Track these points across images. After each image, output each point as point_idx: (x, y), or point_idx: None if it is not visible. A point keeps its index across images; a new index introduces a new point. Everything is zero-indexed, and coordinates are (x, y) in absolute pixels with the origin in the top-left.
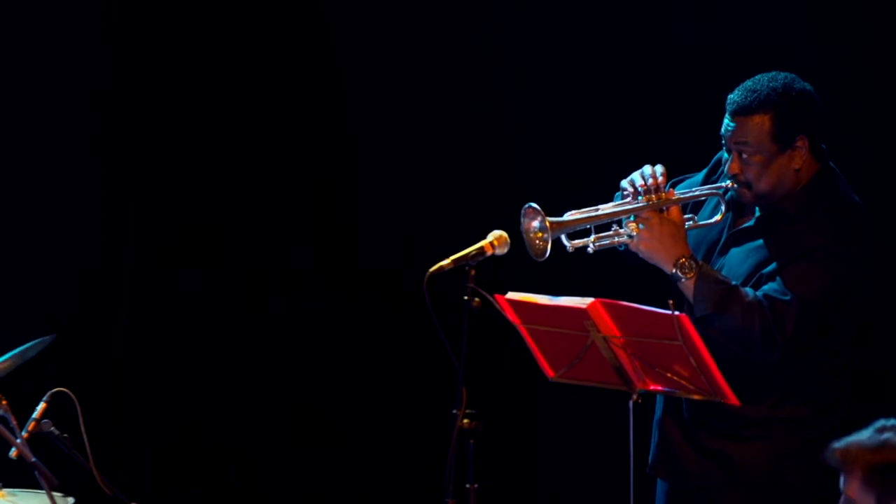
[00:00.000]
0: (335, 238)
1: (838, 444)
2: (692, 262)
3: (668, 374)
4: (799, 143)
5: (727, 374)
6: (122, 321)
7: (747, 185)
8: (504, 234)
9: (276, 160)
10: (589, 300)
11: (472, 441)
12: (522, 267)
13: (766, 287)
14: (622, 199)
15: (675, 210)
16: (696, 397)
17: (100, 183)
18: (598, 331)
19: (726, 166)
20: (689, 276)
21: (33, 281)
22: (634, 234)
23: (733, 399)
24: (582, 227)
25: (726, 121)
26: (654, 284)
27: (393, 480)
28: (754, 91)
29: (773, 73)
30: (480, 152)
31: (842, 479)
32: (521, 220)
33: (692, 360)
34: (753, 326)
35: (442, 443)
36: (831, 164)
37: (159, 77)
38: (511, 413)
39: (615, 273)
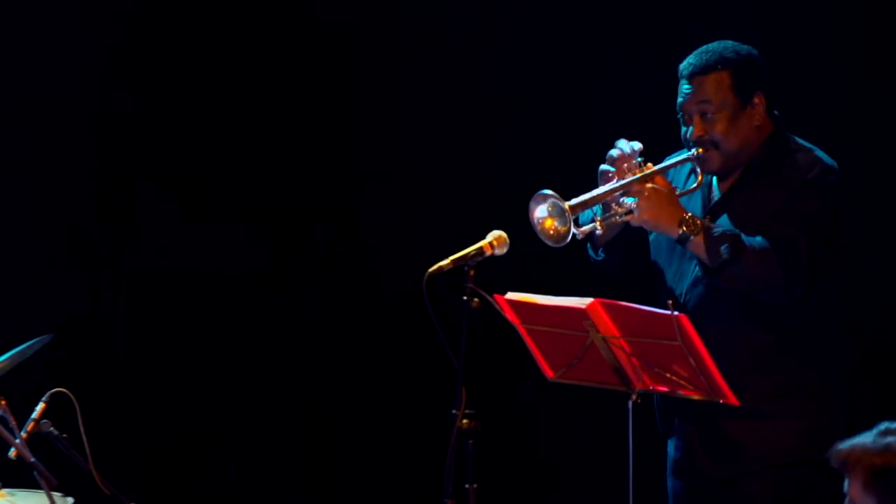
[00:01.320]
0: (335, 238)
1: (842, 447)
2: (695, 220)
3: (668, 375)
4: (756, 101)
5: (741, 347)
6: (122, 321)
7: (714, 144)
8: (503, 234)
9: (276, 160)
10: (588, 300)
11: (471, 441)
12: (522, 267)
13: (767, 232)
14: (606, 181)
15: (660, 178)
16: (695, 397)
17: (99, 182)
18: (598, 331)
19: (689, 134)
20: (696, 232)
21: (32, 280)
22: (633, 207)
23: (733, 399)
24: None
25: (683, 87)
26: (653, 285)
27: (392, 480)
28: (707, 52)
29: (717, 41)
30: (480, 153)
31: (846, 482)
32: (532, 209)
33: (691, 361)
34: (771, 263)
35: (441, 443)
36: (777, 114)
37: (159, 77)
38: (510, 413)
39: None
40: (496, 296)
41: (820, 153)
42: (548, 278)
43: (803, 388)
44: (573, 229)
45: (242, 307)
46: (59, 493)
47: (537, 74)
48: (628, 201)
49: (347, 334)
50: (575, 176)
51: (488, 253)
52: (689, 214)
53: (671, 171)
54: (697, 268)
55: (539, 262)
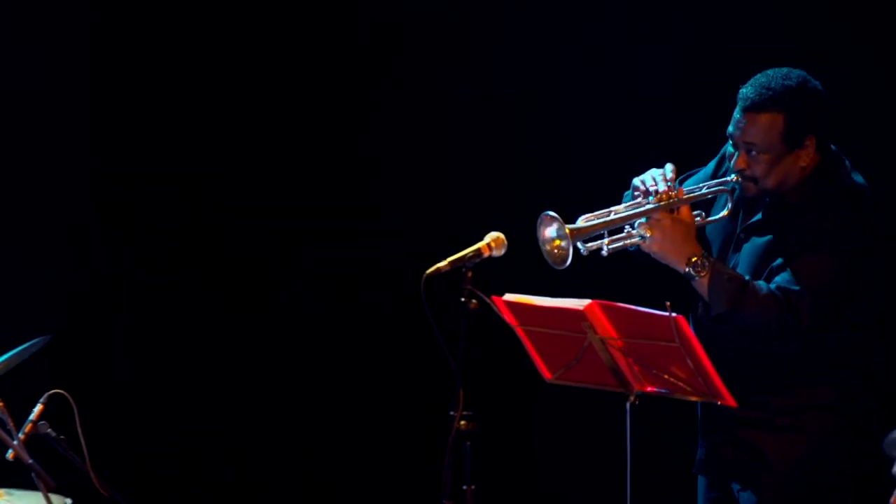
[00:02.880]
0: (334, 238)
1: (894, 434)
2: (704, 261)
3: (666, 376)
4: (807, 143)
5: (749, 362)
6: (120, 322)
7: (753, 179)
8: (501, 235)
9: (276, 160)
10: (586, 302)
11: (468, 443)
12: (520, 268)
13: (777, 279)
14: (632, 198)
15: (685, 210)
16: (693, 399)
17: (99, 182)
18: (595, 332)
19: (732, 161)
20: (702, 274)
21: (30, 281)
22: (647, 235)
23: (730, 401)
24: (597, 232)
25: (737, 115)
26: (653, 286)
27: (390, 481)
28: (768, 89)
29: (787, 69)
30: (480, 153)
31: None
32: (538, 228)
33: (689, 362)
34: (770, 319)
35: (439, 444)
36: (833, 147)
37: (159, 76)
38: (508, 415)
39: (613, 274)
40: (494, 297)
41: (852, 191)
42: (546, 280)
43: (822, 406)
44: (580, 246)
45: (242, 307)
46: (56, 495)
47: (540, 74)
48: (641, 230)
49: (346, 335)
50: (575, 176)
51: (486, 254)
52: (700, 254)
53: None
54: (743, 262)
55: (537, 264)
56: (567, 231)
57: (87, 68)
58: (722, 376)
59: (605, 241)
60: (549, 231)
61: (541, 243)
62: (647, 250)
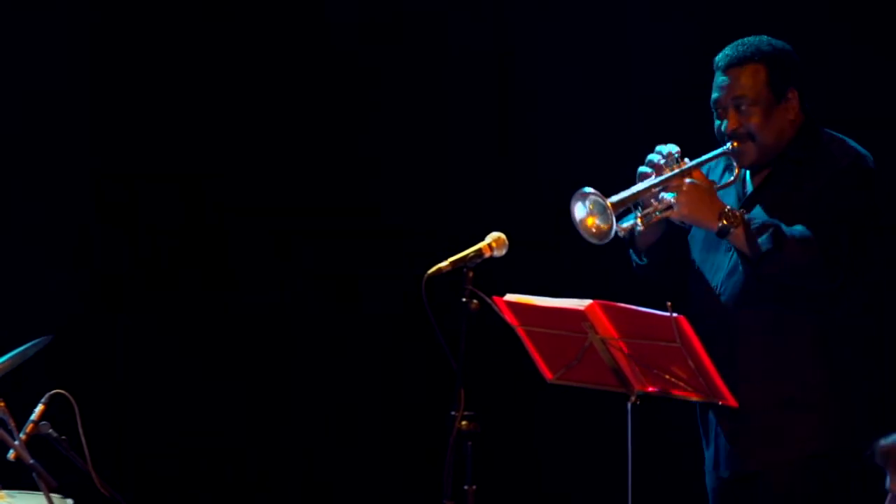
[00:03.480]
0: (334, 239)
1: (883, 442)
2: (734, 212)
3: (667, 376)
4: (790, 96)
5: (767, 334)
6: (120, 322)
7: (749, 136)
8: (502, 235)
9: (274, 161)
10: (587, 302)
11: (470, 443)
12: (520, 269)
13: (806, 224)
14: (644, 180)
15: (697, 173)
16: (694, 399)
17: (99, 182)
18: (596, 332)
19: (723, 128)
20: (736, 224)
21: (32, 281)
22: (673, 202)
23: (731, 401)
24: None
25: (719, 79)
26: (654, 286)
27: (391, 482)
28: (744, 44)
29: (752, 36)
30: (480, 153)
31: (888, 478)
32: (572, 206)
33: (690, 362)
34: (814, 252)
35: (440, 444)
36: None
37: (160, 76)
38: (509, 415)
39: (613, 275)
40: (495, 297)
41: (853, 143)
42: (547, 280)
43: (837, 381)
44: (615, 226)
45: (242, 308)
46: (58, 495)
47: (538, 75)
48: (667, 197)
49: (346, 335)
50: (576, 176)
51: (487, 255)
52: (729, 207)
53: (706, 166)
54: (733, 259)
55: (538, 264)
56: (609, 205)
57: (88, 68)
58: (755, 373)
59: (637, 217)
60: (584, 208)
61: (578, 223)
62: (678, 217)
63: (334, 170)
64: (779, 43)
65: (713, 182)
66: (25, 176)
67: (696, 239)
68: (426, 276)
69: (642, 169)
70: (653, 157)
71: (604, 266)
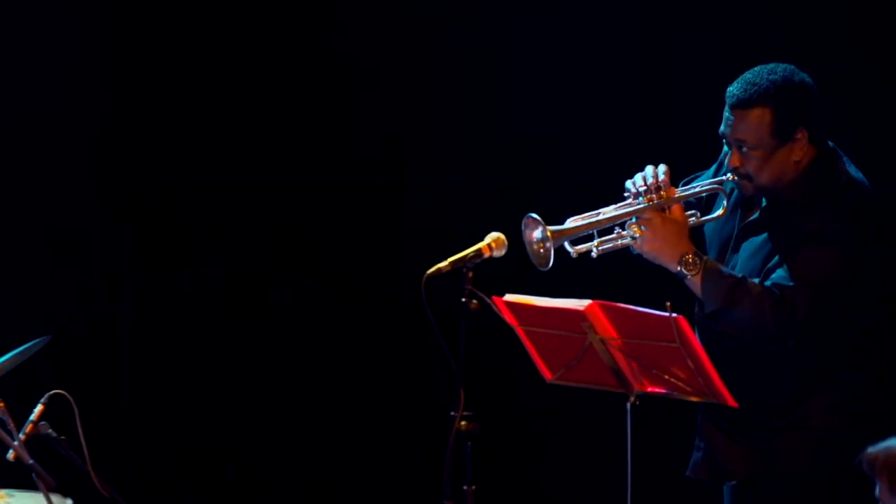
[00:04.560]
0: (332, 239)
1: (870, 451)
2: (696, 259)
3: (666, 377)
4: (799, 136)
5: (755, 364)
6: (120, 322)
7: (748, 177)
8: (502, 236)
9: (275, 161)
10: (586, 302)
11: (469, 443)
12: (520, 269)
13: (773, 276)
14: (624, 201)
15: (676, 208)
16: (693, 399)
17: (100, 183)
18: (596, 333)
19: (727, 159)
20: (693, 272)
21: (31, 281)
22: (637, 235)
23: (731, 401)
24: (585, 233)
25: (726, 114)
26: (652, 286)
27: (391, 482)
28: (754, 84)
29: (773, 65)
30: (478, 154)
31: (876, 487)
32: (523, 231)
33: (689, 363)
34: (765, 315)
35: (440, 444)
36: (830, 143)
37: (160, 76)
38: (508, 415)
39: (612, 275)
40: (494, 297)
41: (850, 188)
42: (546, 280)
43: (830, 406)
44: (569, 248)
45: (242, 307)
46: (57, 495)
47: (541, 74)
48: (634, 228)
49: (346, 335)
50: (576, 176)
51: (487, 255)
52: (692, 252)
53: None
54: (741, 262)
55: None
56: (549, 233)
57: (91, 69)
58: (727, 377)
59: (595, 242)
60: (535, 233)
61: (526, 244)
62: (638, 251)
63: (334, 169)
64: (795, 78)
65: (693, 214)
66: (26, 176)
67: (711, 239)
68: (426, 276)
69: (628, 184)
70: (637, 179)
71: (603, 266)
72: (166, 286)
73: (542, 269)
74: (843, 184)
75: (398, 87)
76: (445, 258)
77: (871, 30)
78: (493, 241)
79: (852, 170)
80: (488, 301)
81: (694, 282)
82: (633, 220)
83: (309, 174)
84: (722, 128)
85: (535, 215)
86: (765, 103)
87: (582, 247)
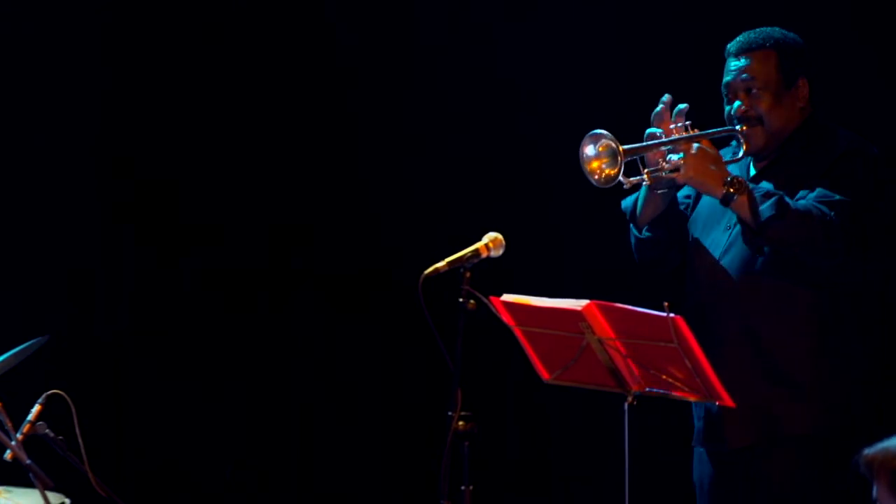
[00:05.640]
0: (332, 239)
1: (867, 452)
2: (740, 180)
3: (664, 376)
4: (800, 84)
5: (766, 306)
6: (119, 323)
7: (758, 119)
8: (499, 236)
9: (274, 162)
10: (584, 302)
11: (466, 443)
12: (518, 269)
13: (810, 196)
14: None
15: (706, 142)
16: (691, 399)
17: (97, 183)
18: (593, 333)
19: (733, 111)
20: (741, 191)
21: (29, 282)
22: (680, 164)
23: (728, 401)
24: (632, 161)
25: (730, 64)
26: (652, 286)
27: (388, 482)
28: (756, 32)
29: (764, 26)
30: (479, 153)
31: (874, 488)
32: (583, 147)
33: (687, 362)
34: (814, 225)
35: (437, 445)
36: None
37: (157, 79)
38: (506, 415)
39: (610, 275)
40: (492, 298)
41: (858, 136)
42: (544, 280)
43: (837, 359)
44: (622, 175)
45: (240, 308)
46: (55, 493)
47: (538, 75)
48: (675, 158)
49: (344, 336)
50: (576, 176)
51: (484, 255)
52: (734, 175)
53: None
54: (733, 234)
55: (535, 264)
56: (621, 150)
57: (92, 68)
58: (751, 346)
59: (646, 172)
60: (594, 149)
61: (585, 162)
62: (683, 179)
63: (333, 170)
64: (790, 34)
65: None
66: (26, 175)
67: (696, 222)
68: (423, 276)
69: (650, 130)
70: (658, 107)
71: (602, 266)
72: (165, 286)
73: (605, 186)
74: (843, 130)
75: (397, 87)
76: (443, 258)
77: (871, 29)
78: (490, 242)
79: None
80: (486, 301)
81: (741, 201)
82: (671, 156)
83: (308, 173)
84: (726, 77)
85: (601, 130)
86: (770, 45)
87: (634, 178)
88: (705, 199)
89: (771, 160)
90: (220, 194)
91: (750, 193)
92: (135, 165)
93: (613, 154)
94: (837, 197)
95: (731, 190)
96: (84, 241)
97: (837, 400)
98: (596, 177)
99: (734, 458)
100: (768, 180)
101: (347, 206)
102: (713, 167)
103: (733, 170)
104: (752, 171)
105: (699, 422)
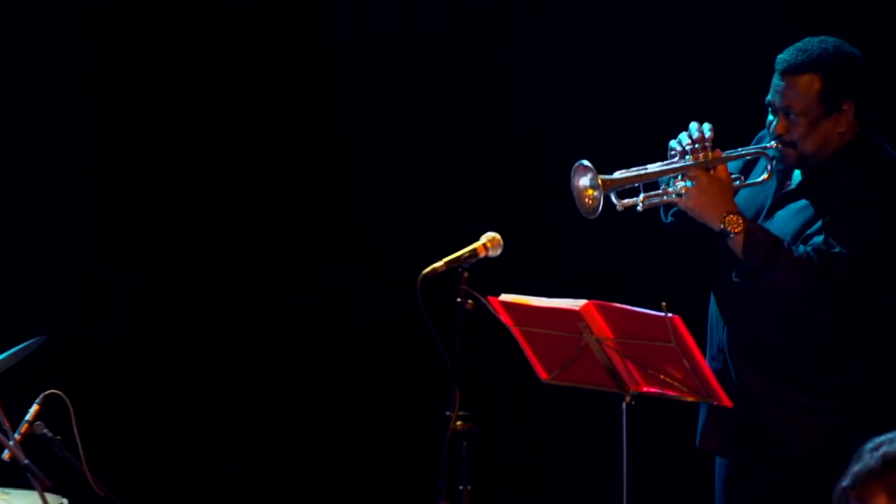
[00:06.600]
0: (331, 239)
1: (845, 485)
2: (740, 218)
3: (662, 376)
4: (845, 108)
5: (786, 340)
6: (118, 323)
7: (792, 144)
8: (497, 235)
9: (274, 162)
10: (582, 302)
11: (465, 443)
12: (516, 269)
13: (813, 241)
14: (671, 156)
15: (721, 168)
16: (689, 399)
17: (96, 183)
18: (592, 332)
19: (771, 127)
20: (737, 230)
21: (27, 281)
22: (683, 192)
23: (726, 402)
24: (631, 186)
25: (775, 80)
26: (650, 286)
27: (386, 482)
28: (805, 51)
29: (824, 36)
30: (478, 153)
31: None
32: (572, 177)
33: (685, 362)
34: (804, 279)
35: (435, 445)
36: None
37: (157, 79)
38: (504, 415)
39: (609, 275)
40: (490, 297)
41: (892, 165)
42: (542, 280)
43: (841, 380)
44: (615, 201)
45: (239, 308)
46: (53, 494)
47: (538, 75)
48: (680, 185)
49: (342, 336)
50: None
51: (482, 255)
52: (736, 211)
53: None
54: (774, 230)
55: (533, 264)
56: (600, 181)
57: (93, 67)
58: (758, 352)
59: (641, 196)
60: (583, 180)
61: (574, 192)
62: (683, 207)
63: (333, 169)
64: (845, 50)
65: (740, 178)
66: (24, 175)
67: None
68: (421, 276)
69: (673, 143)
70: (682, 137)
71: (601, 266)
72: (165, 286)
73: (589, 217)
74: (884, 160)
75: (396, 88)
76: (441, 258)
77: (871, 30)
78: (488, 241)
79: (889, 149)
80: (484, 301)
81: (736, 240)
82: (679, 177)
83: (308, 174)
84: (769, 96)
85: (586, 162)
86: (815, 70)
87: (628, 201)
88: (742, 192)
89: (807, 177)
90: (220, 194)
91: (747, 233)
92: (135, 165)
93: (597, 186)
94: (837, 249)
95: (728, 227)
96: (84, 241)
97: (841, 425)
98: (586, 204)
99: (745, 467)
100: (793, 203)
101: (347, 207)
102: (717, 199)
103: (769, 184)
104: (792, 185)
105: (704, 423)
